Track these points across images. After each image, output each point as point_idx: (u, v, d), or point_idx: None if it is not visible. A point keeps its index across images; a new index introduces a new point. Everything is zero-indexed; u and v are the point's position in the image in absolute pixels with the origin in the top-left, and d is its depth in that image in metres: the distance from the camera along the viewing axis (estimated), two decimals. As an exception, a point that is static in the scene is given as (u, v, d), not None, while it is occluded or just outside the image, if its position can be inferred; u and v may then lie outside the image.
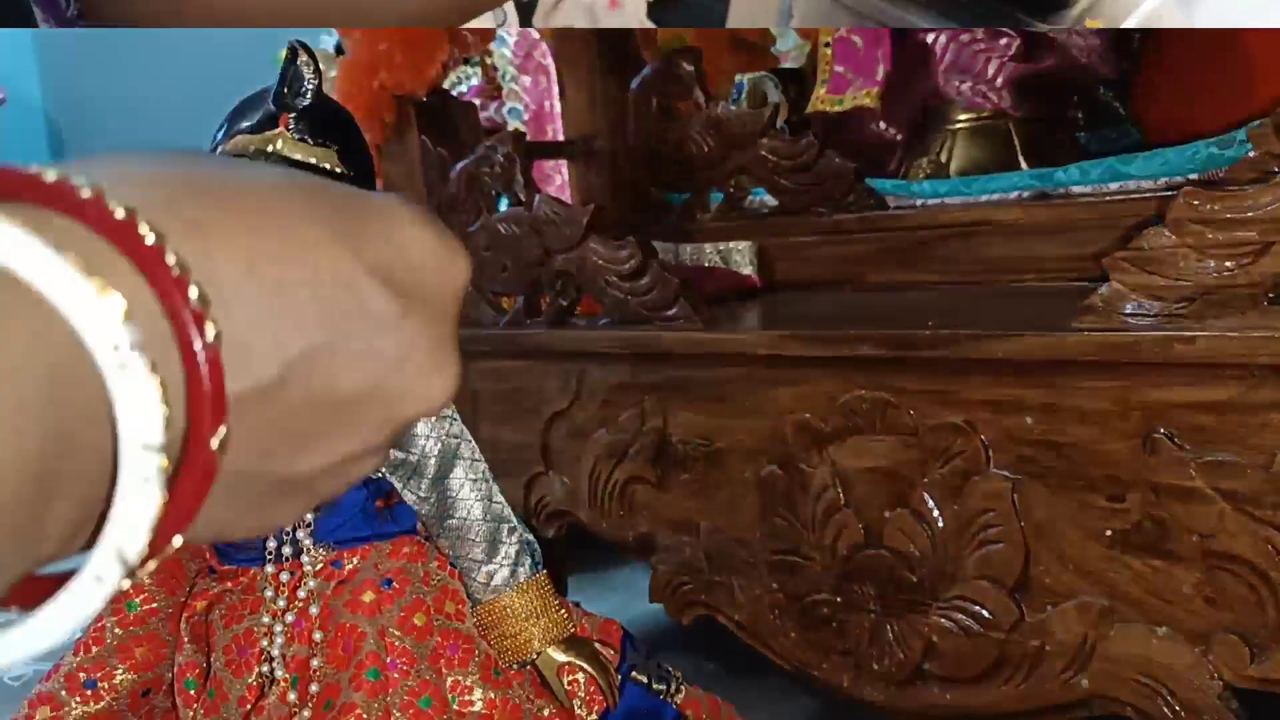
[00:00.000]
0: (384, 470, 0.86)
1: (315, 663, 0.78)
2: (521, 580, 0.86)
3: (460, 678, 0.82)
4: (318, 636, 0.78)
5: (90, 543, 0.28)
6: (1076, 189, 1.47)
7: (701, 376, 1.38)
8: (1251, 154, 0.97)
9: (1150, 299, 1.00)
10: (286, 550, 0.79)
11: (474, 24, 1.72)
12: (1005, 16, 1.15)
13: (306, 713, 0.77)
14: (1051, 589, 1.12)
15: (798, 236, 1.64)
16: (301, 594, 0.79)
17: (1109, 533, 1.07)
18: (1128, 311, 1.02)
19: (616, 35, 1.90)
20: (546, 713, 0.85)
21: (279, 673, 0.78)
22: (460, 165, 1.69)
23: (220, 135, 0.78)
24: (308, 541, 0.80)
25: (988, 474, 1.13)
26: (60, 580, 0.28)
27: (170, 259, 0.28)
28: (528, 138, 2.41)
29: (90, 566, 0.27)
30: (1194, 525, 1.01)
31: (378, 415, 0.34)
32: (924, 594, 1.20)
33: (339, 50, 2.23)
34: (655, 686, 0.94)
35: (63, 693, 0.81)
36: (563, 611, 0.88)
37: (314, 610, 0.79)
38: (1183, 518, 1.02)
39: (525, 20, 1.37)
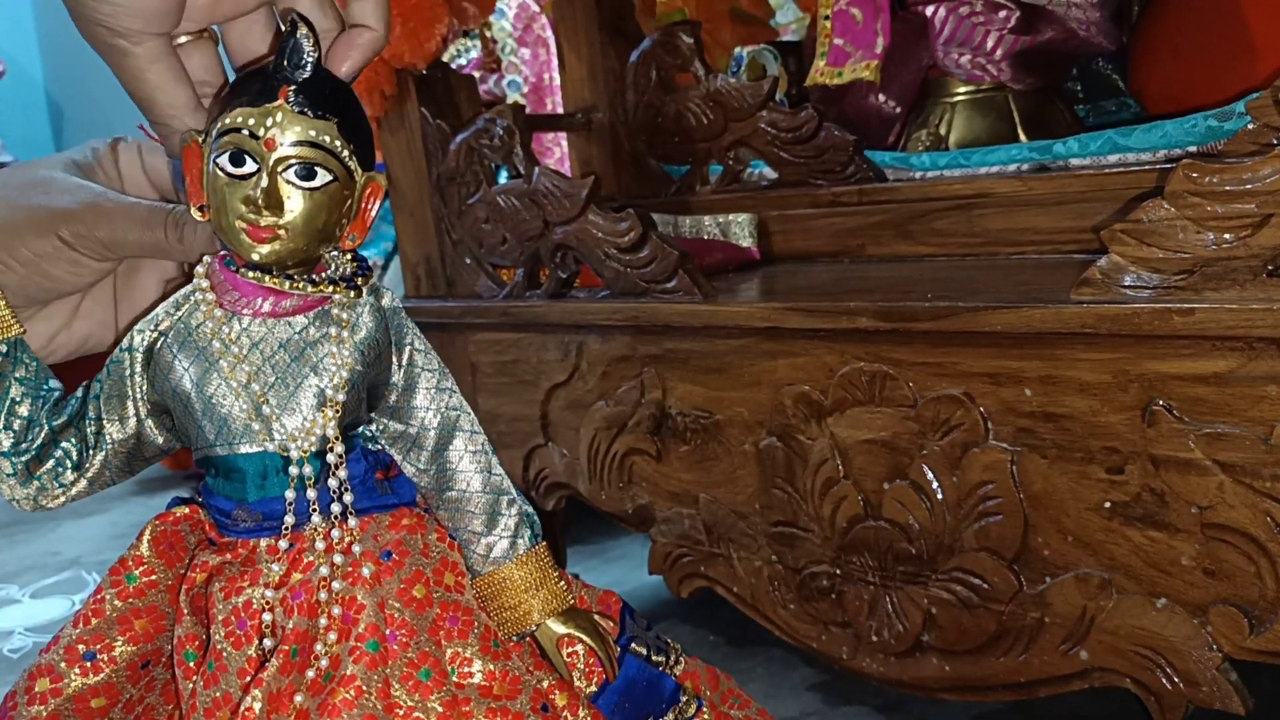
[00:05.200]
0: (384, 442, 0.86)
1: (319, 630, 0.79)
2: (521, 552, 0.86)
3: (460, 649, 0.82)
4: (322, 596, 0.78)
5: None
6: (1075, 161, 1.47)
7: (701, 348, 1.38)
8: (1250, 126, 0.97)
9: (1149, 271, 1.00)
10: (289, 519, 0.79)
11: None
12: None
13: (307, 682, 0.77)
14: (1050, 561, 1.12)
15: (797, 209, 1.64)
16: (310, 558, 0.79)
17: (1108, 504, 1.07)
18: (1126, 284, 1.02)
19: (616, 7, 1.90)
20: (546, 684, 0.84)
21: (279, 644, 0.78)
22: (460, 138, 1.69)
23: (219, 108, 0.78)
24: (316, 517, 0.80)
25: (986, 446, 1.14)
26: None
27: None
28: (527, 110, 2.42)
29: None
30: (1193, 497, 1.02)
31: None
32: (923, 566, 1.21)
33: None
34: (654, 658, 0.94)
35: (62, 664, 0.81)
36: (562, 583, 0.88)
37: (316, 580, 0.79)
38: (1181, 489, 1.02)
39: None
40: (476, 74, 2.82)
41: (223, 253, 0.81)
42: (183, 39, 0.83)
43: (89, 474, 0.82)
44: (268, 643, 0.79)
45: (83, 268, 0.84)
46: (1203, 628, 1.03)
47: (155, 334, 0.81)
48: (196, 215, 0.80)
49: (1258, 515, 0.98)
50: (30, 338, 0.83)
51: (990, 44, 1.74)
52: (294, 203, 0.76)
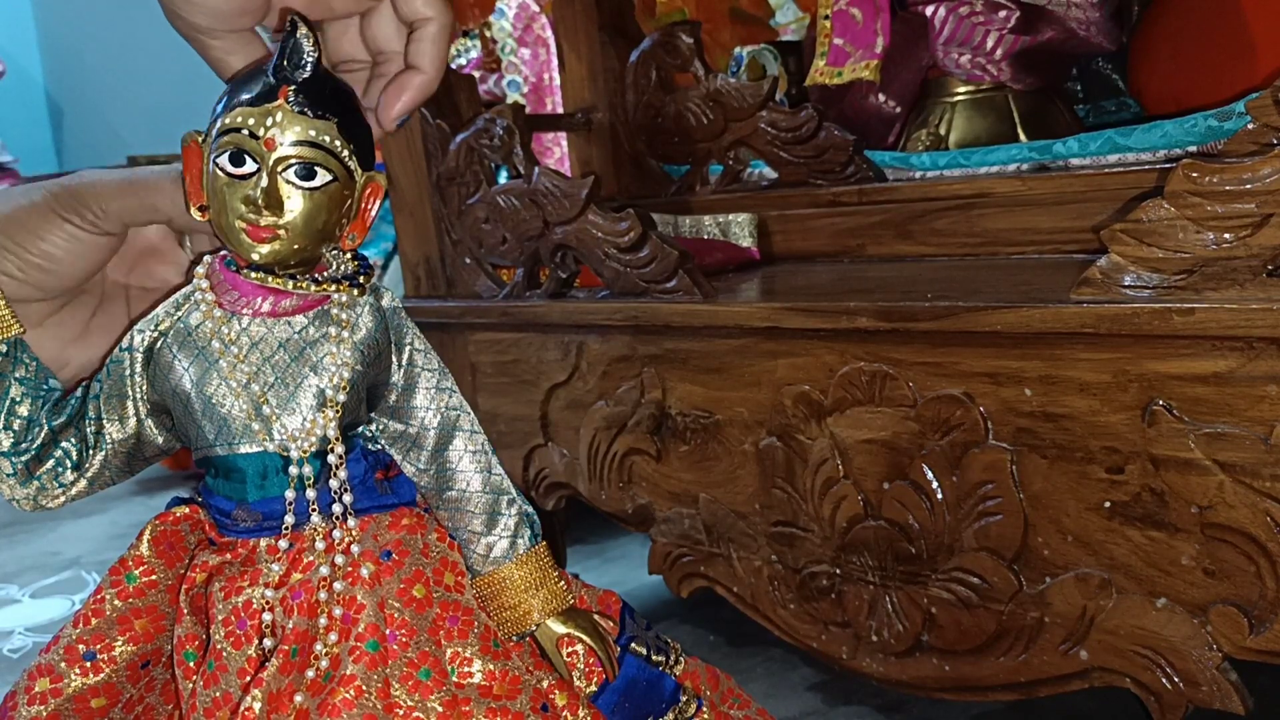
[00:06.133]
0: (384, 442, 0.86)
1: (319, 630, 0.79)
2: (521, 552, 0.86)
3: (460, 649, 0.82)
4: (322, 596, 0.78)
5: None
6: (1075, 161, 1.47)
7: (701, 348, 1.38)
8: (1250, 126, 0.97)
9: (1149, 271, 1.00)
10: (289, 519, 0.79)
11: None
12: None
13: (307, 682, 0.77)
14: (1050, 560, 1.12)
15: (797, 209, 1.64)
16: (310, 558, 0.79)
17: (1108, 504, 1.07)
18: (1126, 283, 1.02)
19: (616, 7, 1.90)
20: (546, 684, 0.84)
21: (279, 644, 0.78)
22: (460, 138, 1.69)
23: (220, 108, 0.78)
24: (316, 517, 0.80)
25: (986, 445, 1.14)
26: None
27: None
28: (527, 110, 2.42)
29: None
30: (1193, 497, 1.01)
31: None
32: (923, 565, 1.21)
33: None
34: (654, 658, 0.94)
35: (62, 664, 0.81)
36: (562, 583, 0.88)
37: (316, 580, 0.79)
38: (1181, 489, 1.02)
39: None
40: (476, 74, 2.82)
41: (223, 252, 0.81)
42: None
43: (89, 474, 0.82)
44: (268, 643, 0.79)
45: (80, 243, 0.84)
46: (1203, 627, 1.03)
47: (155, 334, 0.81)
48: (196, 215, 0.80)
49: (1258, 515, 0.98)
50: (39, 350, 0.83)
51: (990, 44, 1.74)
52: (294, 203, 0.76)
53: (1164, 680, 1.06)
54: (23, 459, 0.80)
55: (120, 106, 5.18)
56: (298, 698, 0.76)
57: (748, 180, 1.86)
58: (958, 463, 1.16)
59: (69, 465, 0.82)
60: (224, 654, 0.78)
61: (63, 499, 0.82)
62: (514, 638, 0.86)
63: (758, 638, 1.58)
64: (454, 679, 0.81)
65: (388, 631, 0.79)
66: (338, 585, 0.79)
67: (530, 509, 0.89)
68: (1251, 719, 1.05)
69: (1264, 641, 1.00)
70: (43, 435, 0.81)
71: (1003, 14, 1.73)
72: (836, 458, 1.25)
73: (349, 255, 0.82)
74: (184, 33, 0.82)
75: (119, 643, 0.82)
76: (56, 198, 0.83)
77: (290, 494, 0.79)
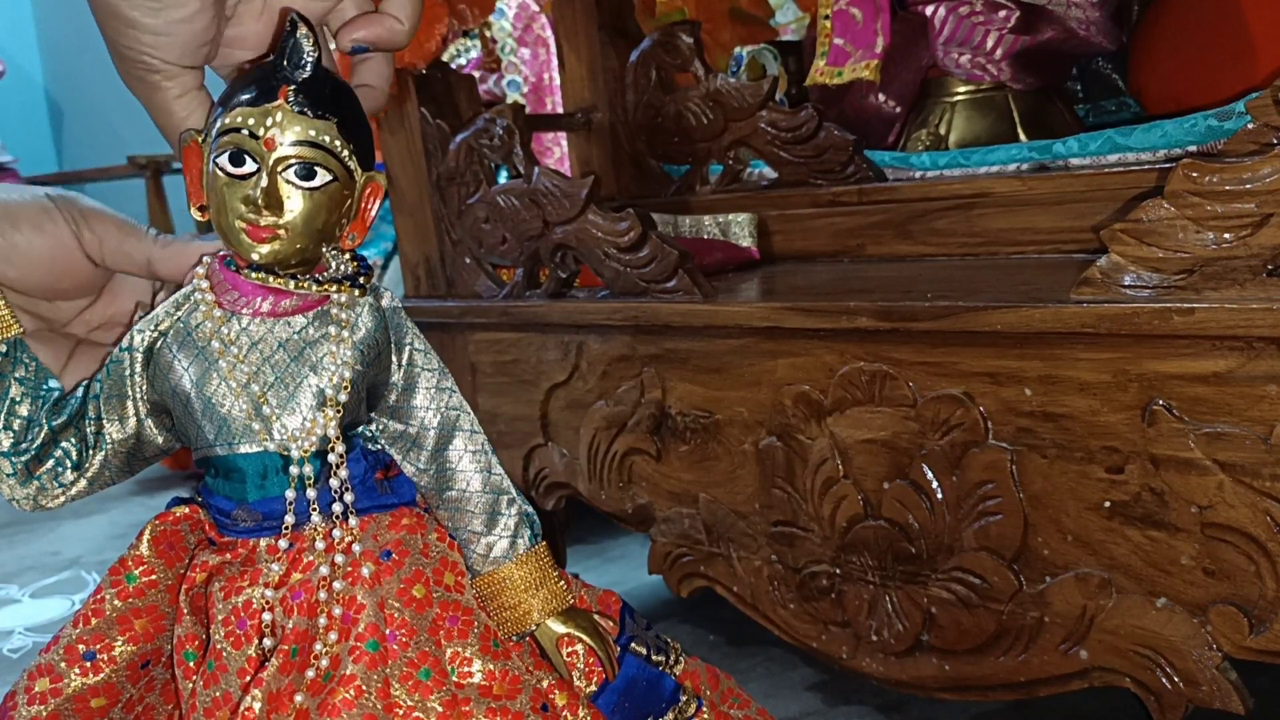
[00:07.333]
0: (384, 442, 0.86)
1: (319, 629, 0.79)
2: (521, 552, 0.86)
3: (460, 649, 0.82)
4: (322, 596, 0.78)
5: None
6: (1075, 161, 1.47)
7: (700, 348, 1.38)
8: (1250, 126, 0.96)
9: (1149, 271, 1.00)
10: (289, 519, 0.79)
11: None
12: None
13: (307, 682, 0.77)
14: (1050, 560, 1.12)
15: (797, 209, 1.64)
16: (310, 557, 0.79)
17: (1107, 504, 1.07)
18: (1126, 283, 1.02)
19: (616, 7, 1.90)
20: (546, 684, 0.85)
21: (279, 644, 0.78)
22: (460, 138, 1.69)
23: (219, 108, 0.78)
24: (316, 517, 0.80)
25: (986, 445, 1.13)
26: None
27: None
28: (527, 110, 2.42)
29: None
30: (1192, 496, 1.01)
31: None
32: (923, 565, 1.21)
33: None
34: (654, 658, 0.94)
35: (62, 664, 0.81)
36: (562, 583, 0.88)
37: (316, 580, 0.79)
38: (1181, 489, 1.02)
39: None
40: (476, 74, 2.82)
41: (223, 252, 0.81)
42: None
43: (88, 474, 0.82)
44: (267, 642, 0.79)
45: (61, 247, 0.83)
46: (1202, 627, 1.03)
47: (155, 334, 0.81)
48: (196, 215, 0.80)
49: (1258, 515, 0.98)
50: None
51: (990, 44, 1.74)
52: (294, 202, 0.76)
53: (1164, 680, 1.06)
54: (23, 459, 0.80)
55: (120, 106, 5.16)
56: (298, 697, 0.76)
57: (748, 180, 1.86)
58: (958, 463, 1.16)
59: (69, 465, 0.82)
60: (224, 654, 0.78)
61: (63, 499, 0.82)
62: (514, 638, 0.86)
63: (758, 638, 1.58)
64: (454, 679, 0.81)
65: (388, 631, 0.79)
66: (337, 584, 0.79)
67: (530, 509, 0.89)
68: (1251, 719, 1.05)
69: (1264, 641, 1.00)
70: (43, 435, 0.81)
71: (1003, 14, 1.73)
72: (836, 458, 1.25)
73: (348, 255, 0.82)
74: (138, 77, 0.80)
75: (119, 643, 0.82)
76: (67, 200, 0.83)
77: (290, 494, 0.79)
